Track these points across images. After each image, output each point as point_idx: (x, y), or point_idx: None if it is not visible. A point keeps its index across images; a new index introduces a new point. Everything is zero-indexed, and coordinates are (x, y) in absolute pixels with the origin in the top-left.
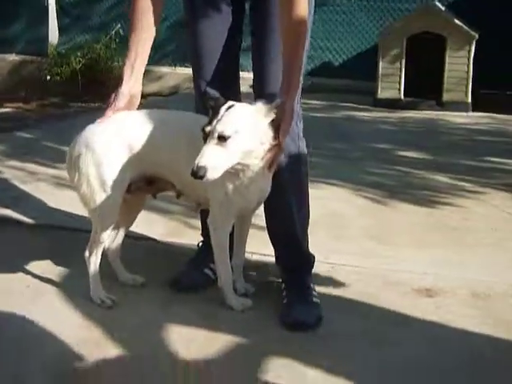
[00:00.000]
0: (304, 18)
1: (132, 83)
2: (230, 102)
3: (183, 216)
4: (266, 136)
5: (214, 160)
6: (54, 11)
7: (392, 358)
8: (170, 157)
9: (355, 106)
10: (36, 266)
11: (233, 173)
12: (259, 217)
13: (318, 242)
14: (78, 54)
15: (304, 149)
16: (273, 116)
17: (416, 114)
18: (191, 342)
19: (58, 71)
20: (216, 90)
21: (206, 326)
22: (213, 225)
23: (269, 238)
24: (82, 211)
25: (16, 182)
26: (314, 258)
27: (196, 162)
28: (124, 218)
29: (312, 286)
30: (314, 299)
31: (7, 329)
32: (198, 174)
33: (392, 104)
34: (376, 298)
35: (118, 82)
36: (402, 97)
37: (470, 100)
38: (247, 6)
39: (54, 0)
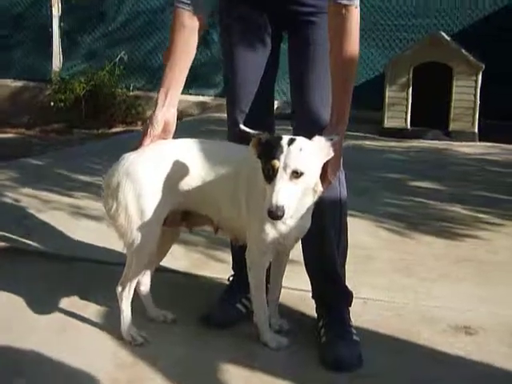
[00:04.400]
0: (355, 53)
1: (166, 110)
2: (287, 137)
3: (205, 248)
4: (319, 173)
5: (289, 198)
6: (58, 36)
7: None
8: (211, 190)
9: (362, 134)
10: (61, 300)
11: None
12: (295, 251)
13: (347, 275)
14: (82, 80)
15: (345, 187)
16: (331, 153)
17: (423, 144)
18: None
19: (61, 97)
20: (253, 120)
21: (242, 366)
22: (250, 260)
23: (306, 274)
24: (100, 242)
25: (32, 211)
26: (351, 294)
27: (273, 201)
28: (156, 252)
29: (351, 323)
30: (354, 337)
31: (38, 367)
32: (277, 213)
33: (398, 133)
34: (412, 335)
35: (119, 108)
36: (409, 126)
37: (476, 130)
38: (284, 34)
39: (57, 25)
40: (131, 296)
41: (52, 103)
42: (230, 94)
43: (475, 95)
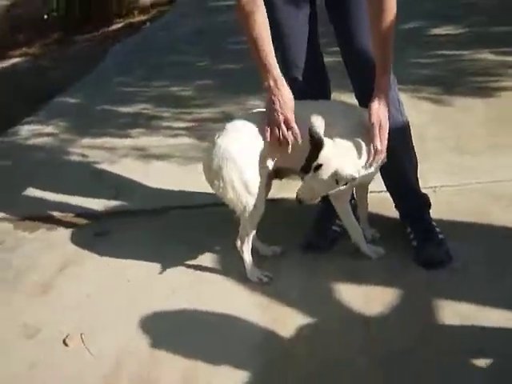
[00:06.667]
0: (394, 14)
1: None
2: (320, 160)
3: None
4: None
5: (309, 192)
6: None
7: None
8: (298, 152)
9: None
10: (180, 255)
11: None
12: None
13: None
14: None
15: (404, 111)
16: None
17: None
18: (353, 298)
19: (52, 7)
20: (308, 75)
21: (355, 282)
22: (334, 196)
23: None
24: (180, 185)
25: (105, 165)
26: (427, 197)
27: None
28: None
29: (433, 223)
30: (440, 236)
31: (191, 315)
32: (298, 201)
33: None
34: (483, 216)
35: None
36: None
37: None
38: None
39: None
40: (250, 246)
41: (45, 16)
42: (283, 56)
43: None
